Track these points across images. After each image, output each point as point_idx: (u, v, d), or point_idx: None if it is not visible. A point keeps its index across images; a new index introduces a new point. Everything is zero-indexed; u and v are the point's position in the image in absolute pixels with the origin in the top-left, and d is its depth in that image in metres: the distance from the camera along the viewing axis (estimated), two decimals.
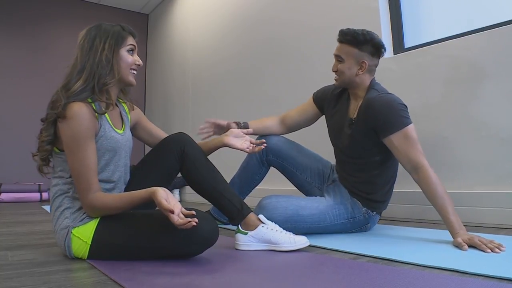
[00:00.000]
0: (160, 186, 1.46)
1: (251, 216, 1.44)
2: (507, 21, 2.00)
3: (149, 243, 1.26)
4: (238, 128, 1.95)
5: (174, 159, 1.45)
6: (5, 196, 4.49)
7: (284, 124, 2.02)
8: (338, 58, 1.75)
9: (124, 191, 1.44)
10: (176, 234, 1.22)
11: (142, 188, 1.31)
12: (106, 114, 1.37)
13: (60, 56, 5.32)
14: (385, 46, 1.75)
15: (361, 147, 1.73)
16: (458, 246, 1.36)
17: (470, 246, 1.35)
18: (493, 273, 1.02)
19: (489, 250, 1.29)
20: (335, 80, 1.81)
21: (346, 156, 1.82)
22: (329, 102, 1.92)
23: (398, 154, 1.61)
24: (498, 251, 1.28)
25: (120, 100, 1.53)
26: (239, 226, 1.46)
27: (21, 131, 4.99)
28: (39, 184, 4.73)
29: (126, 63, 1.39)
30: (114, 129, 1.40)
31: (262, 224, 1.43)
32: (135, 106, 1.59)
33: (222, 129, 1.97)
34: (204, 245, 1.28)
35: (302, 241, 1.41)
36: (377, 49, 1.73)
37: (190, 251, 1.30)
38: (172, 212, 1.13)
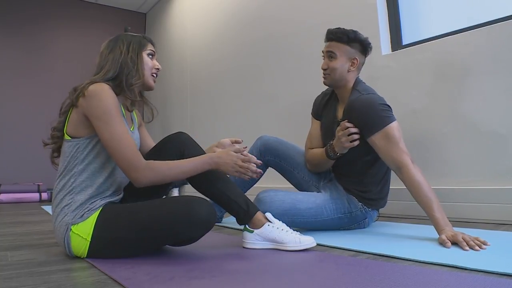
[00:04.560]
0: (158, 188, 1.46)
1: (258, 214, 1.43)
2: (505, 17, 2.00)
3: (149, 232, 1.26)
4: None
5: None
6: (4, 196, 4.49)
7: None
8: (331, 55, 1.77)
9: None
10: (174, 220, 1.24)
11: (140, 192, 1.34)
12: (121, 107, 1.40)
13: (58, 56, 5.32)
14: (371, 45, 1.81)
15: (350, 148, 1.72)
16: (441, 243, 1.35)
17: (454, 243, 1.33)
18: (493, 269, 1.02)
19: (467, 248, 1.27)
20: (324, 78, 1.81)
21: (339, 158, 1.82)
22: (322, 109, 1.96)
23: (381, 153, 1.62)
24: (478, 248, 1.26)
25: None
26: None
27: (20, 131, 4.98)
28: (38, 185, 4.73)
29: (147, 66, 1.44)
30: (126, 124, 1.42)
31: (268, 223, 1.42)
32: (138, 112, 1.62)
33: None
34: (202, 228, 1.28)
35: (308, 241, 1.38)
36: (364, 47, 1.79)
37: (189, 236, 1.31)
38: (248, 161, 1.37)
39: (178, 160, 1.35)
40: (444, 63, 2.17)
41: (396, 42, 2.51)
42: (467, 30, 2.12)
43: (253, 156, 1.41)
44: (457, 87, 2.10)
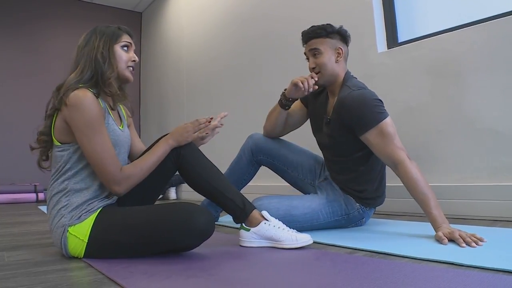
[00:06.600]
0: (155, 188, 1.47)
1: (254, 212, 1.43)
2: (501, 14, 2.00)
3: (146, 237, 1.26)
4: None
5: (170, 162, 1.42)
6: (0, 197, 4.47)
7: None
8: (315, 51, 1.75)
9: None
10: (172, 228, 1.23)
11: (136, 192, 1.35)
12: (107, 107, 1.39)
13: (54, 55, 5.29)
14: (348, 32, 1.80)
15: (342, 145, 1.72)
16: (438, 240, 1.35)
17: (451, 240, 1.34)
18: (489, 265, 1.02)
19: (464, 245, 1.27)
20: (317, 79, 1.76)
21: (330, 155, 1.82)
22: (312, 97, 1.91)
23: (376, 151, 1.60)
24: (475, 245, 1.26)
25: None
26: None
27: (17, 131, 4.96)
28: (35, 185, 4.71)
29: (120, 59, 1.41)
30: (115, 123, 1.41)
31: (264, 221, 1.42)
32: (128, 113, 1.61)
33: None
34: (200, 238, 1.28)
35: (304, 238, 1.39)
36: (343, 36, 1.78)
37: (186, 244, 1.31)
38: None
39: (144, 156, 1.38)
40: (440, 60, 2.17)
41: (392, 40, 2.51)
42: (462, 27, 2.12)
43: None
44: (453, 84, 2.10)
